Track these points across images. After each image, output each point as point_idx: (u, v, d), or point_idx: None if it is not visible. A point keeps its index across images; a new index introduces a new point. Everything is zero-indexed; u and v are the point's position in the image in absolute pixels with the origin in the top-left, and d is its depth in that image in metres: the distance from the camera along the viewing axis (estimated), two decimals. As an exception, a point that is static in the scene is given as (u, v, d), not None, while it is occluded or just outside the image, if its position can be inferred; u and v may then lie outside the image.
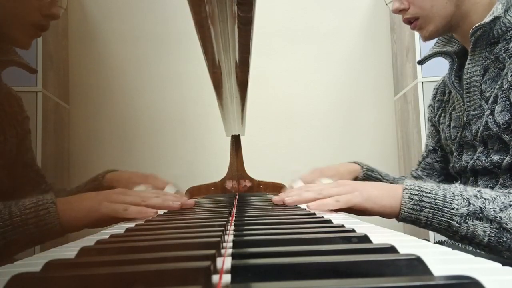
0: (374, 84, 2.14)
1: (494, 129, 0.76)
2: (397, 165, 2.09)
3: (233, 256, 0.29)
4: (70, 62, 2.07)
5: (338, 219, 0.57)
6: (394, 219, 0.80)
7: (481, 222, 0.61)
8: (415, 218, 0.65)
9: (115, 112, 2.07)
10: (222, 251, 0.35)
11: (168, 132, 2.07)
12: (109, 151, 2.05)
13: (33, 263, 0.35)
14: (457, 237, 0.64)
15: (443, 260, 0.32)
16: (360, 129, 2.11)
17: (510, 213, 0.60)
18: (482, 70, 0.80)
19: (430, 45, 1.82)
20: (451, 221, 0.62)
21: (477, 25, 0.76)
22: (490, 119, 0.77)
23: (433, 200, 0.63)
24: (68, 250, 0.41)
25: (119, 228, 0.58)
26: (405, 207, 0.65)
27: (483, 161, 0.80)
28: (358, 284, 0.22)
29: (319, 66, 2.13)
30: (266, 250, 0.31)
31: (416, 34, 1.72)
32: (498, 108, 0.75)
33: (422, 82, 1.74)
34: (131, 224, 0.58)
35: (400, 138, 2.06)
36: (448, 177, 1.02)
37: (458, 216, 0.62)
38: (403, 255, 0.27)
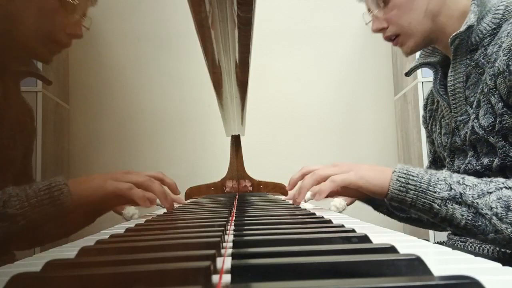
0: (374, 84, 2.14)
1: (480, 133, 0.79)
2: (397, 165, 2.09)
3: (233, 256, 0.29)
4: (70, 62, 2.07)
5: (338, 219, 0.57)
6: (396, 221, 0.81)
7: (460, 206, 0.66)
8: (401, 198, 0.70)
9: (115, 112, 2.07)
10: (222, 251, 0.35)
11: (168, 132, 2.07)
12: (109, 151, 2.05)
13: (33, 263, 0.35)
14: (437, 218, 0.68)
15: (443, 260, 0.32)
16: (360, 129, 2.11)
17: (487, 200, 0.65)
18: (464, 77, 0.83)
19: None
20: (432, 204, 0.67)
21: (454, 34, 0.80)
22: (475, 123, 0.80)
23: (418, 183, 0.68)
24: (68, 250, 0.41)
25: (119, 228, 0.58)
26: (393, 188, 0.70)
27: (474, 165, 0.83)
28: (358, 284, 0.22)
29: (319, 66, 2.13)
30: (266, 250, 0.31)
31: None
32: (481, 112, 0.78)
33: (422, 82, 1.74)
34: (131, 224, 0.58)
35: (400, 138, 2.06)
36: None
37: (439, 199, 0.67)
38: (403, 255, 0.27)
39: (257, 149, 1.93)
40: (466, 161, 0.85)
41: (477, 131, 0.79)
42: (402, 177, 0.69)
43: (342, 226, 0.45)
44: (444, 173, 0.69)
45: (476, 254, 0.70)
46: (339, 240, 0.36)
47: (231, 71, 0.79)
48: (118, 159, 2.04)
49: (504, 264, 0.28)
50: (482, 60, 0.80)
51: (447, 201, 0.66)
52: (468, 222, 0.65)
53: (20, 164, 0.91)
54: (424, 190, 0.68)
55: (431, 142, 1.04)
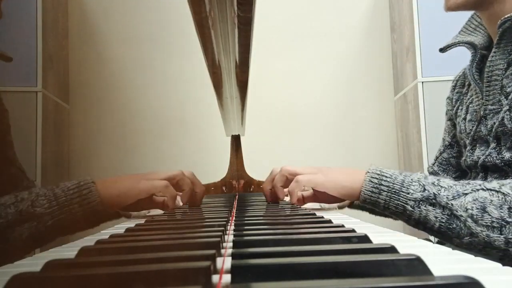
0: (374, 84, 2.14)
1: (509, 126, 0.76)
2: (397, 165, 2.09)
3: (233, 256, 0.29)
4: (70, 62, 2.07)
5: (338, 219, 0.57)
6: (396, 221, 0.80)
7: (434, 208, 0.63)
8: (374, 200, 0.67)
9: (115, 112, 2.07)
10: (222, 251, 0.35)
11: (168, 132, 2.07)
12: (109, 151, 2.05)
13: (33, 263, 0.35)
14: (412, 221, 0.66)
15: (443, 260, 0.32)
16: (360, 129, 2.11)
17: (462, 201, 0.62)
18: (505, 64, 0.79)
19: (430, 46, 1.82)
20: (405, 205, 0.64)
21: (506, 16, 0.75)
22: (507, 115, 0.77)
23: (391, 184, 0.66)
24: (68, 250, 0.41)
25: (119, 228, 0.58)
26: (365, 189, 0.67)
27: (494, 158, 0.80)
28: (358, 284, 0.22)
29: (319, 66, 2.13)
30: (266, 250, 0.31)
31: (417, 34, 1.72)
32: None
33: (422, 82, 1.74)
34: (131, 224, 0.58)
35: (400, 138, 2.06)
36: (464, 173, 0.99)
37: (412, 200, 0.64)
38: (403, 255, 0.27)
39: (257, 149, 1.93)
40: (487, 153, 0.82)
41: (507, 124, 0.76)
42: (375, 178, 0.67)
43: (342, 226, 0.45)
44: (419, 175, 0.67)
45: (476, 254, 0.70)
46: (339, 240, 0.36)
47: (231, 71, 0.79)
48: (118, 159, 2.04)
49: (504, 264, 0.28)
50: None
51: (420, 202, 0.63)
52: (442, 224, 0.62)
53: (1, 156, 0.90)
54: (397, 191, 0.65)
55: (452, 125, 1.00)
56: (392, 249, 0.30)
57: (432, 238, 1.27)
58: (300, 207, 0.80)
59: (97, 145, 2.05)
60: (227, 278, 0.26)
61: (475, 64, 0.86)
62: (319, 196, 0.78)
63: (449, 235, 0.63)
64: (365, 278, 0.25)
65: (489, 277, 0.25)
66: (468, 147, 0.90)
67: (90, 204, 0.65)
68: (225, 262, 0.30)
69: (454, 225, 0.62)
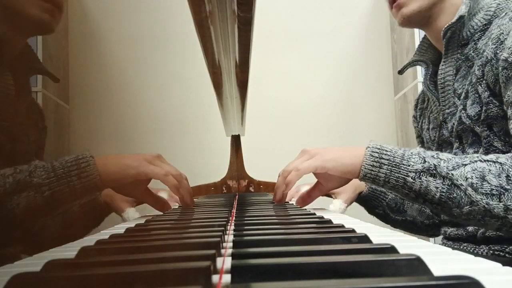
0: (374, 84, 2.13)
1: (467, 122, 0.80)
2: (397, 165, 2.09)
3: (233, 256, 0.29)
4: (70, 62, 2.06)
5: (338, 219, 0.57)
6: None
7: (434, 179, 0.64)
8: (374, 175, 0.68)
9: (115, 112, 2.07)
10: (222, 251, 0.35)
11: (168, 132, 2.07)
12: (109, 151, 2.05)
13: (33, 263, 0.35)
14: (412, 194, 0.66)
15: (443, 260, 0.32)
16: (360, 129, 2.11)
17: (462, 171, 0.64)
18: (454, 70, 0.86)
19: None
20: (406, 177, 0.65)
21: (446, 26, 0.83)
22: (463, 113, 0.82)
23: (392, 157, 0.67)
24: (68, 250, 0.41)
25: (119, 228, 0.58)
26: (366, 164, 0.68)
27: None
28: (358, 284, 0.22)
29: (319, 66, 2.13)
30: (266, 250, 0.31)
31: (416, 34, 1.72)
32: (469, 102, 0.80)
33: (422, 82, 1.73)
34: (131, 224, 0.58)
35: (400, 138, 2.06)
36: None
37: (413, 172, 0.65)
38: (403, 255, 0.27)
39: (257, 149, 1.92)
40: (452, 153, 0.86)
41: (464, 121, 0.81)
42: (376, 152, 0.68)
43: (342, 226, 0.45)
44: (418, 149, 0.69)
45: (476, 254, 0.70)
46: (339, 240, 0.36)
47: (231, 71, 0.79)
48: (118, 159, 2.04)
49: (504, 264, 0.28)
50: (472, 54, 0.82)
51: (421, 173, 0.65)
52: (443, 194, 0.64)
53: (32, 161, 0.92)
54: (398, 164, 0.66)
55: (421, 141, 1.05)
56: (392, 249, 0.30)
57: (431, 238, 1.26)
58: (300, 207, 0.80)
59: (97, 145, 2.05)
60: (227, 278, 0.26)
61: (428, 77, 0.94)
62: (321, 181, 0.78)
63: (449, 205, 0.64)
64: (365, 278, 0.25)
65: (489, 277, 0.25)
66: None
67: (88, 178, 0.65)
68: (225, 262, 0.30)
69: (455, 195, 0.63)
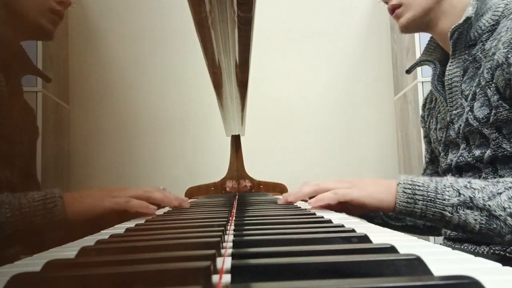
0: (374, 84, 2.14)
1: (475, 124, 0.80)
2: (397, 165, 2.09)
3: (233, 256, 0.29)
4: (70, 62, 2.07)
5: (338, 219, 0.57)
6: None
7: (472, 211, 0.64)
8: (410, 210, 0.68)
9: (115, 112, 2.07)
10: (222, 251, 0.35)
11: (168, 132, 2.07)
12: (109, 151, 2.05)
13: (33, 263, 0.35)
14: (451, 226, 0.66)
15: (443, 260, 0.32)
16: (360, 129, 2.11)
17: (498, 201, 0.63)
18: (462, 71, 0.85)
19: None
20: (443, 212, 0.65)
21: (453, 26, 0.82)
22: (470, 115, 0.81)
23: (426, 192, 0.67)
24: (68, 250, 0.41)
25: (119, 228, 0.58)
26: (400, 201, 0.68)
27: (466, 157, 0.84)
28: (358, 284, 0.22)
29: (319, 66, 2.13)
30: (266, 250, 0.31)
31: (416, 34, 1.72)
32: (477, 104, 0.80)
33: (422, 82, 1.74)
34: (131, 224, 0.58)
35: (400, 138, 2.06)
36: None
37: (450, 206, 0.65)
38: (403, 255, 0.27)
39: (257, 149, 1.93)
40: (459, 154, 0.86)
41: (471, 123, 0.81)
42: (408, 188, 0.68)
43: (342, 226, 0.45)
44: (449, 179, 0.68)
45: (476, 254, 0.70)
46: (339, 240, 0.36)
47: (231, 71, 0.79)
48: (118, 159, 2.04)
49: (504, 264, 0.28)
50: (480, 55, 0.81)
51: (458, 207, 0.64)
52: (483, 226, 0.63)
53: (25, 163, 0.92)
54: (433, 199, 0.66)
55: (428, 142, 1.05)
56: (392, 249, 0.30)
57: (432, 238, 1.26)
58: (300, 207, 0.80)
59: (97, 145, 2.05)
60: (227, 278, 0.26)
61: (436, 77, 0.93)
62: (350, 207, 0.77)
63: (490, 235, 0.64)
64: (365, 278, 0.25)
65: (489, 277, 0.25)
66: (442, 154, 0.94)
67: (54, 219, 0.65)
68: (225, 262, 0.30)
69: (494, 225, 0.63)
